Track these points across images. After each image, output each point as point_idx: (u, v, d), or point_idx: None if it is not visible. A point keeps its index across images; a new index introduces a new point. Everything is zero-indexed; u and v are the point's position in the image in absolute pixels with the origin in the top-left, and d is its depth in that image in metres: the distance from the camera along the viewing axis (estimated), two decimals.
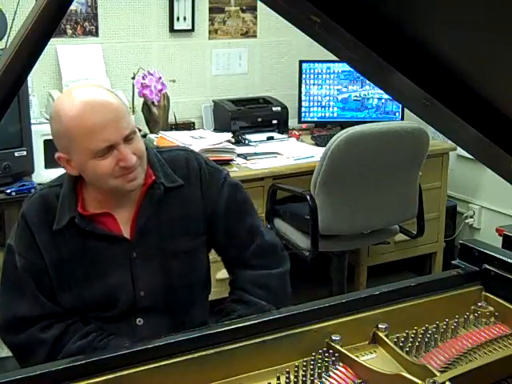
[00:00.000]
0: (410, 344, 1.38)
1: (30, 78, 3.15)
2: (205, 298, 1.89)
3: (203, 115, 3.83)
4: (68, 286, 1.72)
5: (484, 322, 1.49)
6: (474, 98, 1.04)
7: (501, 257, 1.55)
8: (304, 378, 1.26)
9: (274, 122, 3.77)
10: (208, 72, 3.89)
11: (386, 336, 1.40)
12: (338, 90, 3.87)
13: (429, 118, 1.14)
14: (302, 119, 3.93)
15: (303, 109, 3.90)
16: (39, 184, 2.78)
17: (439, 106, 1.04)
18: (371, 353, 1.39)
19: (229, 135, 3.41)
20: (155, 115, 3.49)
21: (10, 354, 1.80)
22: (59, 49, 3.41)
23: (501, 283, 1.53)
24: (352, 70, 3.31)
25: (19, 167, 2.89)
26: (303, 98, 3.89)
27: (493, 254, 1.57)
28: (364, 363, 1.30)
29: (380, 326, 1.41)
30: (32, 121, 2.95)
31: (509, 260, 1.53)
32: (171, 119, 3.62)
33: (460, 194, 4.12)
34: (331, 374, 1.29)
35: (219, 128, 3.71)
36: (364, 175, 2.98)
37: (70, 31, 3.47)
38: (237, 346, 1.30)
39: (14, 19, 3.00)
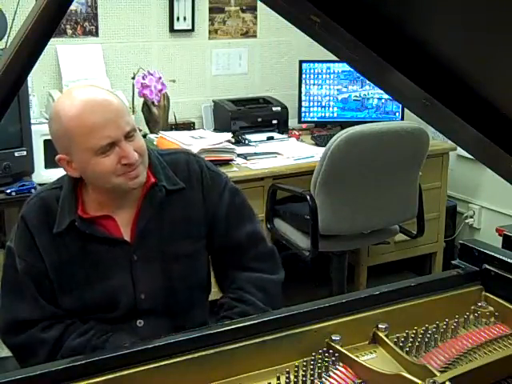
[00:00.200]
0: (409, 344, 1.38)
1: (30, 78, 3.15)
2: (205, 299, 1.89)
3: (203, 115, 3.83)
4: (68, 288, 1.72)
5: (484, 322, 1.49)
6: (474, 98, 1.04)
7: (501, 257, 1.55)
8: (304, 378, 1.26)
9: (274, 121, 3.77)
10: (208, 72, 3.89)
11: (386, 336, 1.40)
12: (338, 90, 3.87)
13: (429, 118, 1.14)
14: (302, 119, 3.93)
15: (303, 109, 3.90)
16: (39, 184, 2.78)
17: (439, 106, 1.04)
18: (371, 353, 1.39)
19: (229, 135, 3.41)
20: (155, 115, 3.49)
21: (10, 354, 1.80)
22: (59, 49, 3.41)
23: (501, 283, 1.53)
24: (352, 69, 3.31)
25: (19, 167, 2.89)
26: (303, 97, 3.89)
27: (493, 254, 1.57)
28: (364, 363, 1.30)
29: (380, 325, 1.41)
30: (32, 121, 2.95)
31: (509, 260, 1.53)
32: (171, 119, 3.62)
33: (460, 194, 4.12)
34: (331, 373, 1.29)
35: (219, 128, 3.71)
36: (364, 175, 2.98)
37: (70, 31, 3.47)
38: (237, 345, 1.30)
39: (14, 19, 3.00)
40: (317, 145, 3.63)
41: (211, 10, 3.83)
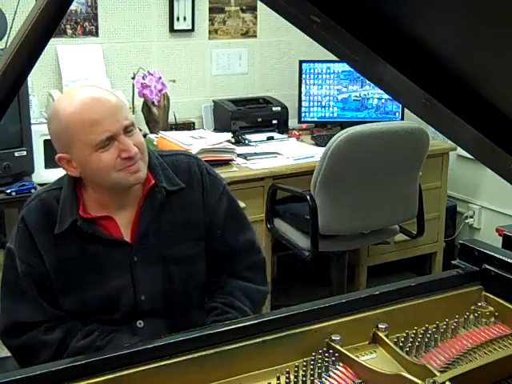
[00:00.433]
0: (409, 344, 1.38)
1: (30, 78, 3.15)
2: (204, 301, 1.89)
3: (203, 115, 3.83)
4: (69, 289, 1.72)
5: (484, 322, 1.49)
6: (474, 98, 1.04)
7: (501, 257, 1.55)
8: (304, 378, 1.26)
9: (274, 121, 3.77)
10: (208, 72, 3.89)
11: (386, 336, 1.40)
12: (338, 90, 3.87)
13: (429, 118, 1.14)
14: (302, 119, 3.93)
15: (303, 109, 3.90)
16: (39, 184, 2.78)
17: (439, 106, 1.04)
18: (371, 353, 1.39)
19: (229, 135, 3.41)
20: (155, 115, 3.49)
21: (10, 354, 1.80)
22: (59, 49, 3.41)
23: (501, 283, 1.53)
24: (352, 70, 3.30)
25: (19, 167, 2.89)
26: (303, 98, 3.89)
27: (493, 254, 1.57)
28: (364, 363, 1.30)
29: (380, 326, 1.41)
30: (32, 121, 2.95)
31: (509, 260, 1.53)
32: (171, 119, 3.62)
33: (460, 193, 4.12)
34: (331, 373, 1.29)
35: (219, 128, 3.71)
36: (364, 175, 2.98)
37: (70, 31, 3.47)
38: (237, 345, 1.30)
39: (14, 19, 3.00)
40: (317, 145, 3.63)
41: (211, 10, 3.83)
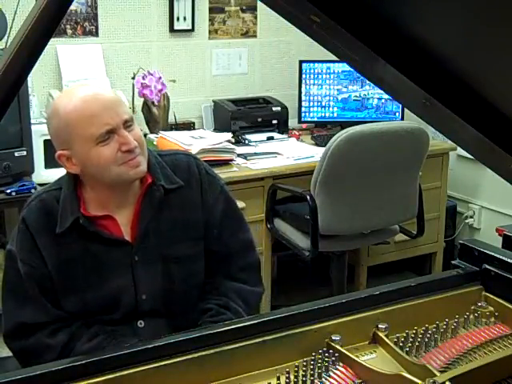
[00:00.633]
0: (409, 344, 1.38)
1: (30, 78, 3.15)
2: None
3: (203, 115, 3.83)
4: (71, 290, 1.72)
5: (484, 322, 1.49)
6: (474, 98, 1.04)
7: (501, 257, 1.55)
8: (304, 378, 1.26)
9: (274, 121, 3.77)
10: (208, 72, 3.89)
11: (386, 336, 1.40)
12: (338, 90, 3.87)
13: (429, 118, 1.14)
14: (302, 119, 3.92)
15: (303, 109, 3.90)
16: (39, 184, 2.78)
17: (439, 106, 1.04)
18: (371, 353, 1.39)
19: (229, 135, 3.41)
20: (155, 115, 3.49)
21: (10, 354, 1.80)
22: (59, 49, 3.41)
23: (501, 283, 1.53)
24: (352, 70, 3.31)
25: (19, 167, 2.89)
26: (303, 98, 3.89)
27: (493, 253, 1.56)
28: (364, 363, 1.30)
29: (380, 326, 1.41)
30: (32, 121, 2.95)
31: (509, 260, 1.53)
32: (171, 119, 3.62)
33: (460, 193, 4.12)
34: (331, 373, 1.29)
35: (219, 128, 3.71)
36: (364, 175, 2.98)
37: (70, 31, 3.47)
38: (237, 345, 1.30)
39: (14, 19, 3.00)
40: (317, 145, 3.63)
41: (211, 10, 3.83)
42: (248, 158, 3.32)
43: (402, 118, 3.82)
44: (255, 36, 3.99)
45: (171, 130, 3.53)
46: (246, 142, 3.59)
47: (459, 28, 0.94)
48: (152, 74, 3.44)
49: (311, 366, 1.30)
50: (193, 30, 3.79)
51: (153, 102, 3.46)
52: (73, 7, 3.41)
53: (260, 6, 3.88)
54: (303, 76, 3.86)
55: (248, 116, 3.71)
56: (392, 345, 1.37)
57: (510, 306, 1.50)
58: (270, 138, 3.67)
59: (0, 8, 3.06)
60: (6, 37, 3.01)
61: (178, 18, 3.72)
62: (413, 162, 3.11)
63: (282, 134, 3.75)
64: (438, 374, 1.24)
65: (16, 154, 2.86)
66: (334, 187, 2.97)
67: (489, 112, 1.06)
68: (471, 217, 4.10)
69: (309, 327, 1.36)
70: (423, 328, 1.42)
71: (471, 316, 1.50)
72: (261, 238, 3.25)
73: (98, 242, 1.72)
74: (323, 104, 3.89)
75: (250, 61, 4.00)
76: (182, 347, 1.27)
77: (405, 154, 3.04)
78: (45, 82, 3.44)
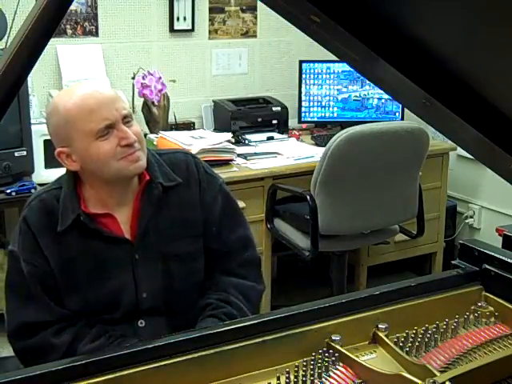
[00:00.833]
0: (409, 344, 1.38)
1: (30, 78, 3.15)
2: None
3: (203, 115, 3.83)
4: (72, 288, 1.72)
5: (484, 321, 1.49)
6: (474, 98, 1.04)
7: (501, 257, 1.55)
8: (304, 378, 1.26)
9: (274, 122, 3.77)
10: (208, 72, 3.89)
11: (386, 336, 1.40)
12: (338, 90, 3.87)
13: (429, 118, 1.14)
14: (302, 119, 3.93)
15: (303, 109, 3.90)
16: (39, 184, 2.78)
17: (439, 106, 1.04)
18: (371, 353, 1.39)
19: (229, 135, 3.41)
20: (155, 115, 3.49)
21: (10, 354, 1.80)
22: (59, 49, 3.41)
23: (501, 283, 1.53)
24: (352, 69, 3.31)
25: (19, 167, 2.89)
26: (303, 98, 3.89)
27: (493, 254, 1.56)
28: (364, 363, 1.30)
29: (380, 326, 1.41)
30: (32, 121, 2.95)
31: (509, 260, 1.53)
32: (171, 119, 3.62)
33: (460, 193, 4.12)
34: (331, 374, 1.29)
35: (219, 128, 3.71)
36: (364, 175, 2.98)
37: (70, 31, 3.47)
38: (237, 345, 1.30)
39: (14, 19, 3.00)
40: (317, 145, 3.63)
41: (211, 10, 3.83)
42: (248, 158, 3.32)
43: (402, 118, 3.82)
44: (255, 36, 3.99)
45: (171, 130, 3.54)
46: (246, 141, 3.59)
47: (459, 28, 0.94)
48: (152, 74, 3.44)
49: (311, 366, 1.30)
50: (193, 30, 3.79)
51: (153, 102, 3.46)
52: (73, 7, 3.41)
53: (260, 5, 3.88)
54: (303, 76, 3.86)
55: (248, 116, 3.71)
56: (392, 345, 1.37)
57: (510, 305, 1.50)
58: (270, 138, 3.67)
59: (0, 8, 3.06)
60: (6, 37, 3.01)
61: (178, 18, 3.72)
62: (413, 162, 3.11)
63: (282, 133, 3.75)
64: (438, 373, 1.24)
65: (16, 154, 2.86)
66: (334, 187, 2.97)
67: (489, 112, 1.06)
68: (471, 217, 4.10)
69: (309, 327, 1.36)
70: (423, 328, 1.42)
71: (471, 316, 1.50)
72: (261, 237, 3.25)
73: (99, 240, 1.72)
74: (323, 104, 3.89)
75: (250, 61, 4.00)
76: (182, 347, 1.27)
77: (405, 154, 3.04)
78: (45, 82, 3.44)
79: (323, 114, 3.91)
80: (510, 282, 1.51)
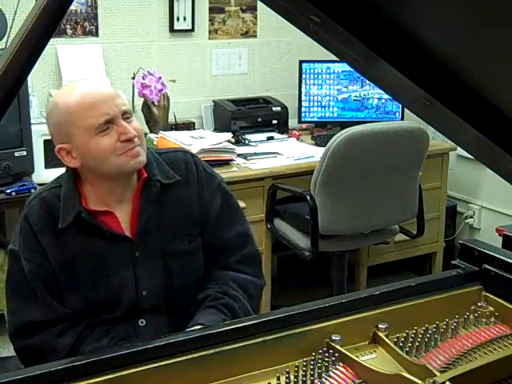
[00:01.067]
0: (409, 344, 1.38)
1: (30, 78, 3.15)
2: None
3: (203, 115, 3.83)
4: (73, 287, 1.72)
5: (484, 321, 1.49)
6: (474, 98, 1.04)
7: (501, 257, 1.55)
8: (304, 378, 1.26)
9: (274, 122, 3.77)
10: (208, 72, 3.89)
11: (386, 336, 1.40)
12: (338, 90, 3.87)
13: (429, 118, 1.14)
14: (302, 119, 3.93)
15: (303, 109, 3.90)
16: (39, 184, 2.78)
17: (439, 106, 1.04)
18: (371, 353, 1.38)
19: (229, 135, 3.41)
20: (155, 115, 3.49)
21: (10, 354, 1.80)
22: (59, 49, 3.41)
23: (501, 283, 1.53)
24: (352, 70, 3.31)
25: (19, 167, 2.90)
26: (303, 98, 3.89)
27: (493, 254, 1.56)
28: (364, 363, 1.30)
29: (380, 326, 1.41)
30: (32, 121, 2.95)
31: (509, 260, 1.53)
32: (171, 119, 3.62)
33: (460, 193, 4.12)
34: (331, 374, 1.29)
35: (219, 128, 3.71)
36: (364, 175, 2.98)
37: (69, 31, 3.47)
38: (237, 345, 1.30)
39: (13, 19, 3.00)
40: (317, 145, 3.63)
41: (211, 10, 3.83)
42: (248, 158, 3.32)
43: (402, 118, 3.82)
44: (255, 36, 3.99)
45: (171, 129, 3.54)
46: (246, 142, 3.59)
47: (459, 28, 0.94)
48: (152, 74, 3.44)
49: (311, 366, 1.30)
50: (193, 30, 3.79)
51: (153, 102, 3.46)
52: (73, 7, 3.42)
53: (260, 5, 3.88)
54: (303, 76, 3.87)
55: (248, 116, 3.71)
56: (392, 345, 1.37)
57: (510, 305, 1.50)
58: (270, 138, 3.67)
59: (0, 8, 3.06)
60: (6, 37, 3.02)
61: (178, 18, 3.72)
62: (413, 162, 3.11)
63: (282, 133, 3.75)
64: (437, 374, 1.24)
65: (16, 154, 2.86)
66: (334, 187, 2.97)
67: (489, 112, 1.06)
68: (471, 217, 4.10)
69: (309, 327, 1.36)
70: (423, 328, 1.42)
71: (471, 316, 1.50)
72: (261, 237, 3.25)
73: (100, 237, 1.72)
74: (323, 104, 3.89)
75: (250, 61, 4.00)
76: (182, 347, 1.27)
77: (405, 153, 3.04)
78: (45, 82, 3.44)
79: (323, 114, 3.91)
80: (510, 281, 1.51)
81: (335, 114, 3.90)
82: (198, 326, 1.66)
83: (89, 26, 3.51)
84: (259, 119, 3.73)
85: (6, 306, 1.77)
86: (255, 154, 3.40)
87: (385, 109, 3.87)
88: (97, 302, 1.73)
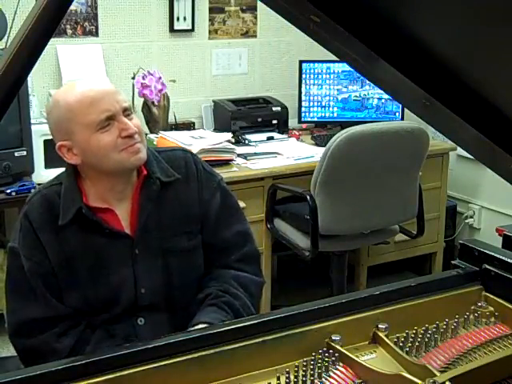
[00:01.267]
0: (409, 344, 1.38)
1: (30, 78, 3.15)
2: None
3: (203, 115, 3.83)
4: (72, 284, 1.72)
5: (484, 321, 1.49)
6: (474, 98, 1.04)
7: (501, 257, 1.55)
8: (304, 378, 1.26)
9: (274, 122, 3.77)
10: (208, 72, 3.89)
11: (386, 336, 1.40)
12: (338, 90, 3.87)
13: (429, 118, 1.14)
14: (302, 119, 3.93)
15: (303, 109, 3.90)
16: (39, 184, 2.78)
17: (439, 106, 1.04)
18: (371, 353, 1.38)
19: (229, 135, 3.41)
20: (155, 115, 3.49)
21: (10, 354, 1.79)
22: (59, 49, 3.41)
23: (501, 283, 1.53)
24: (352, 69, 3.31)
25: (19, 167, 2.90)
26: (303, 98, 3.89)
27: (493, 254, 1.56)
28: (364, 363, 1.30)
29: (380, 326, 1.41)
30: (32, 121, 2.95)
31: (509, 260, 1.53)
32: (171, 119, 3.62)
33: (460, 193, 4.12)
34: (331, 374, 1.29)
35: (219, 128, 3.71)
36: (364, 175, 2.98)
37: (70, 31, 3.47)
38: (237, 345, 1.30)
39: (14, 19, 3.00)
40: (317, 145, 3.63)
41: (211, 10, 3.83)
42: (248, 157, 3.32)
43: (402, 118, 3.82)
44: (255, 36, 3.99)
45: (171, 130, 3.54)
46: (246, 142, 3.59)
47: (459, 28, 0.94)
48: (152, 74, 3.44)
49: (311, 366, 1.30)
50: (193, 30, 3.79)
51: (153, 102, 3.46)
52: (73, 7, 3.41)
53: (260, 5, 3.88)
54: (303, 76, 3.87)
55: (248, 116, 3.71)
56: (392, 345, 1.37)
57: (510, 305, 1.50)
58: (270, 138, 3.67)
59: (0, 8, 3.06)
60: (6, 37, 3.01)
61: (178, 18, 3.72)
62: (413, 162, 3.11)
63: (282, 133, 3.75)
64: (437, 374, 1.24)
65: (16, 154, 2.86)
66: (334, 187, 2.97)
67: (489, 112, 1.06)
68: (471, 217, 4.10)
69: (309, 327, 1.36)
70: (423, 328, 1.42)
71: (471, 316, 1.50)
72: (261, 237, 3.25)
73: (100, 235, 1.72)
74: (323, 104, 3.89)
75: (250, 61, 4.00)
76: (182, 347, 1.27)
77: (405, 154, 3.04)
78: (45, 82, 3.44)
79: (323, 114, 3.91)
80: (510, 281, 1.51)
81: (335, 114, 3.90)
82: (201, 325, 1.66)
83: (89, 26, 3.51)
84: (259, 119, 3.73)
85: (5, 304, 1.77)
86: (255, 154, 3.40)
87: (385, 109, 3.87)
88: (96, 300, 1.73)
